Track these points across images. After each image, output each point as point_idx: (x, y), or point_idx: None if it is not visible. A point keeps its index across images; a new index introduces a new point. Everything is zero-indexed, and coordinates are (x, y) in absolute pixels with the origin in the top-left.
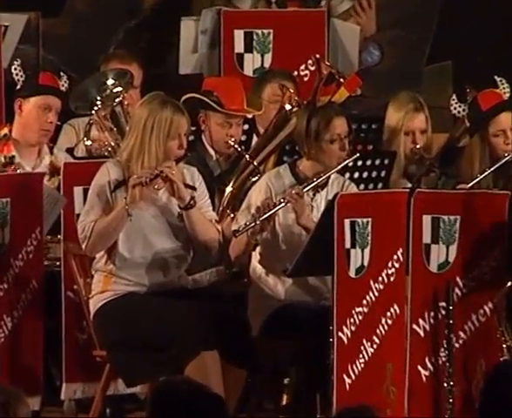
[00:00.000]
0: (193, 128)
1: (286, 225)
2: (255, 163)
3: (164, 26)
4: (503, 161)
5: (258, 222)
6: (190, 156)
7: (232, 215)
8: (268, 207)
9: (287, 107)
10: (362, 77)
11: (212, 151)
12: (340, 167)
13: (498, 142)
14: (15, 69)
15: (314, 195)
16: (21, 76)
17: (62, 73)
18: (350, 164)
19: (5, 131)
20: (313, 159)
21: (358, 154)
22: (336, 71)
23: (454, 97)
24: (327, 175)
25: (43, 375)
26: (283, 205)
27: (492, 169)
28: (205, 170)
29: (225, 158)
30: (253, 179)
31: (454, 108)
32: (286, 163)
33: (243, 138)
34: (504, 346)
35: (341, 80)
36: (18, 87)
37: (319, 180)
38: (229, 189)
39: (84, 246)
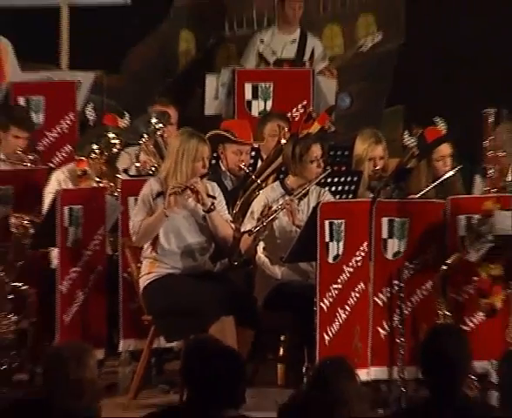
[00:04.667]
0: (215, 154)
1: (281, 225)
2: (259, 181)
3: (193, 80)
4: (442, 179)
5: (264, 224)
6: (211, 175)
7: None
8: (271, 212)
9: (283, 141)
10: (330, 114)
11: (227, 173)
12: (317, 180)
13: (439, 165)
14: (89, 111)
15: (299, 202)
16: (91, 116)
17: (125, 112)
18: (329, 180)
19: (85, 167)
20: (297, 175)
21: (330, 170)
22: (316, 114)
23: (406, 132)
24: (309, 186)
25: (106, 334)
26: (281, 210)
27: (434, 184)
28: (222, 186)
29: (236, 178)
30: (258, 193)
31: (407, 140)
32: (278, 179)
33: (251, 161)
34: (440, 313)
35: (314, 116)
36: (91, 124)
37: (304, 190)
38: (239, 200)
39: (133, 239)
